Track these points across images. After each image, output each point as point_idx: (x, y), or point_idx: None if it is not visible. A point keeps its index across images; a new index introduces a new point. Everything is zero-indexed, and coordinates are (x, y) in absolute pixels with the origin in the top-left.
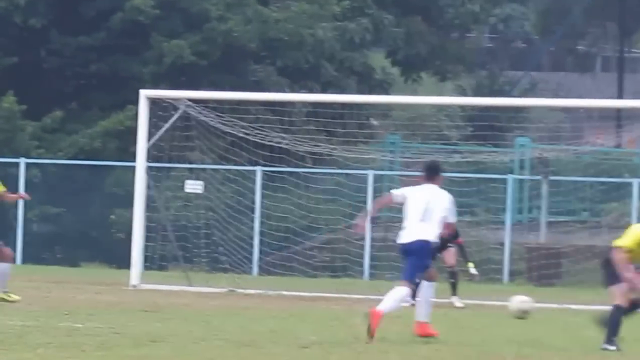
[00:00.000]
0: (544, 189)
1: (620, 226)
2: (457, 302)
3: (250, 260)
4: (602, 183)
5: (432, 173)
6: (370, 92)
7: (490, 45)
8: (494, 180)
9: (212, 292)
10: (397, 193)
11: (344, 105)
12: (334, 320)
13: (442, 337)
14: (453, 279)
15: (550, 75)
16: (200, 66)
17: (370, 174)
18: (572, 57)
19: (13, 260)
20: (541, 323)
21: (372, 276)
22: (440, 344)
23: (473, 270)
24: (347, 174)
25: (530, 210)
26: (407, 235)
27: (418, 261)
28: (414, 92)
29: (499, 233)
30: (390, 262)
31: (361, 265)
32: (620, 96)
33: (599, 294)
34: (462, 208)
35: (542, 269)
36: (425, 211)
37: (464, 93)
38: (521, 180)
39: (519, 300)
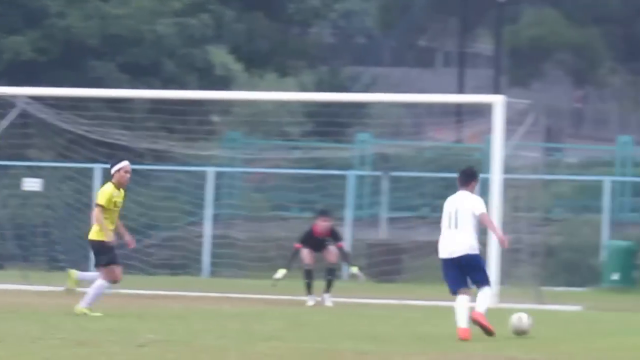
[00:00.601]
0: (385, 184)
1: None
2: (327, 300)
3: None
4: (443, 178)
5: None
6: (211, 89)
7: (332, 40)
8: (335, 176)
9: (51, 291)
10: None
11: (184, 101)
12: (173, 318)
13: (281, 334)
14: (330, 276)
15: (392, 71)
16: (40, 63)
17: (211, 170)
18: (414, 53)
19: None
20: (381, 319)
21: (211, 274)
22: (279, 341)
23: (356, 271)
24: (187, 171)
25: (371, 206)
26: None
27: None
28: (255, 88)
29: (340, 229)
30: (230, 259)
31: (200, 262)
32: (461, 91)
33: (439, 290)
34: (302, 204)
35: (383, 265)
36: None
37: (305, 89)
38: (362, 176)
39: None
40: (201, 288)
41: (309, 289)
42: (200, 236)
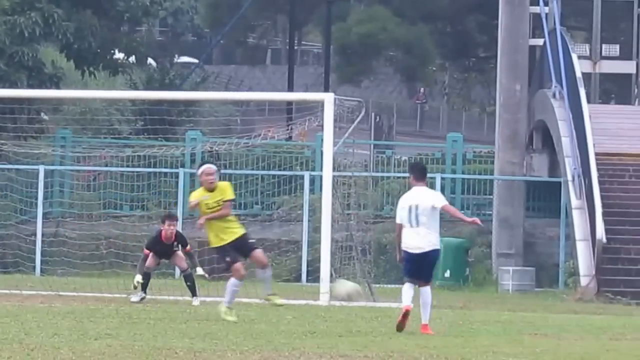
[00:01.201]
0: None
1: (292, 219)
2: (195, 301)
3: None
4: (274, 176)
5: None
6: (40, 87)
7: (161, 38)
8: (166, 174)
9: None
10: None
11: (14, 99)
12: (5, 316)
13: (114, 332)
14: (189, 282)
15: (222, 68)
16: None
17: (41, 168)
18: (243, 50)
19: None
20: (213, 317)
21: (43, 272)
22: (112, 339)
23: (202, 272)
24: (17, 169)
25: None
26: None
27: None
28: (85, 86)
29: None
30: (62, 258)
31: (33, 261)
32: (290, 89)
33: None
34: (134, 202)
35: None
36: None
37: (135, 87)
38: (193, 174)
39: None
40: (33, 286)
41: (142, 287)
42: (31, 234)
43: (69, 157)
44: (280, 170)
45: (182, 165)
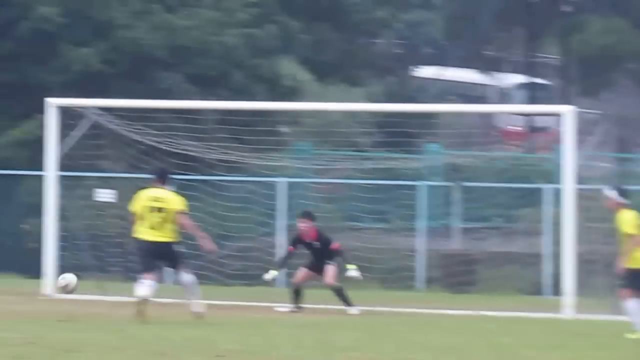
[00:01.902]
0: (456, 195)
1: (534, 232)
2: (353, 310)
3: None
4: (515, 189)
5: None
6: (279, 99)
7: (399, 51)
8: (406, 186)
9: (127, 301)
10: None
11: (253, 112)
12: (251, 328)
13: (358, 345)
14: (339, 295)
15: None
16: (109, 74)
17: (282, 181)
18: (481, 62)
19: None
20: (457, 330)
21: (286, 284)
22: (356, 352)
23: (354, 273)
24: (258, 181)
25: (443, 216)
26: None
27: None
28: (324, 99)
29: (411, 240)
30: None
31: None
32: (531, 102)
33: (513, 300)
34: (374, 215)
35: (457, 276)
36: None
37: (373, 99)
38: (433, 187)
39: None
40: (276, 299)
41: (295, 301)
42: (273, 247)
43: (309, 170)
44: (520, 182)
45: (422, 178)
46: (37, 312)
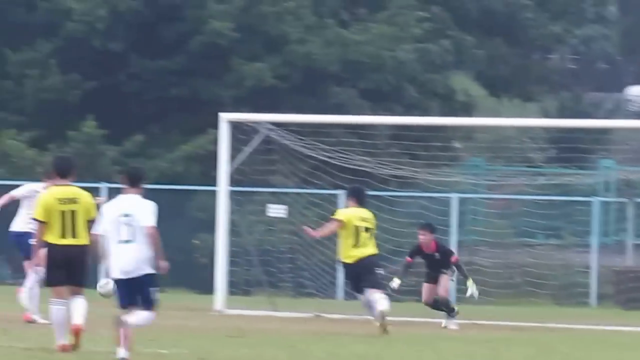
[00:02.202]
0: (630, 211)
1: None
2: (451, 324)
3: (335, 285)
4: None
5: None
6: (452, 115)
7: (573, 66)
8: (579, 202)
9: (298, 317)
10: None
11: (426, 127)
12: (421, 344)
13: None
14: (444, 307)
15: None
16: (281, 89)
17: (454, 197)
18: None
19: None
20: (630, 347)
21: (458, 300)
22: None
23: (472, 291)
24: (430, 197)
25: (616, 232)
26: None
27: None
28: (497, 114)
29: (585, 256)
30: (477, 285)
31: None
32: None
33: None
34: (547, 231)
35: (631, 292)
36: None
37: (547, 115)
38: (606, 203)
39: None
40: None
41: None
42: None
43: (482, 186)
44: None
45: (595, 194)
46: (207, 328)
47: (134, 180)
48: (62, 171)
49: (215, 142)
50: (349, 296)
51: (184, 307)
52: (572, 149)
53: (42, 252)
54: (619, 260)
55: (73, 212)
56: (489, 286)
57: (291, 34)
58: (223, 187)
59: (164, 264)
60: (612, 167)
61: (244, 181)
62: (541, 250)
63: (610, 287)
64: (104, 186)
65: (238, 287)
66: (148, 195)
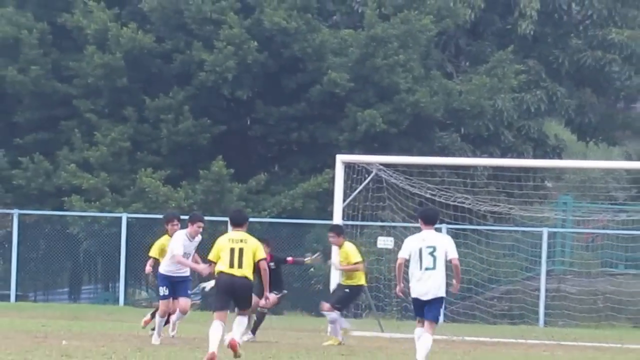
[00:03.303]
0: None
1: None
2: None
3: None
4: None
5: None
6: (544, 157)
7: None
8: None
9: (402, 337)
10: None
11: (521, 168)
12: None
13: None
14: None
15: None
16: (391, 133)
17: (545, 231)
18: None
19: None
20: None
21: (546, 323)
22: None
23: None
24: (524, 231)
25: None
26: None
27: None
28: (585, 157)
29: None
30: (563, 311)
31: (537, 313)
32: None
33: None
34: (628, 262)
35: None
36: None
37: (629, 157)
38: None
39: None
40: (537, 336)
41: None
42: (536, 290)
43: (570, 221)
44: None
45: None
46: (321, 347)
47: (429, 220)
48: (237, 222)
49: (330, 180)
50: (448, 319)
51: (301, 328)
52: None
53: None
54: None
55: (241, 250)
56: (575, 311)
57: (401, 84)
58: (338, 220)
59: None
60: None
61: (356, 216)
62: (621, 278)
63: None
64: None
65: (349, 310)
66: (270, 227)
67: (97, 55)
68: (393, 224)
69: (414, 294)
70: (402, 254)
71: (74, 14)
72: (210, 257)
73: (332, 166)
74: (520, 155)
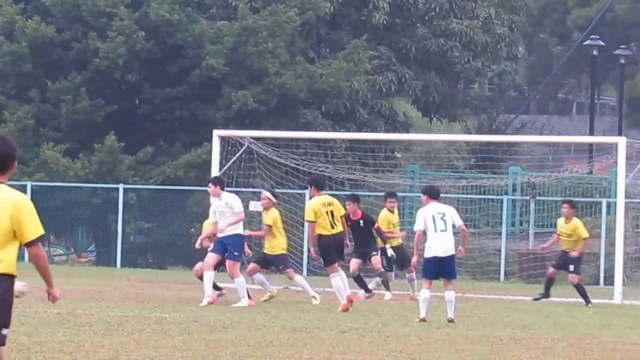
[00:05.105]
0: (532, 207)
1: (593, 236)
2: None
3: (301, 264)
4: (578, 202)
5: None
6: (395, 131)
7: (489, 94)
8: (493, 200)
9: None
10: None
11: (374, 141)
12: (368, 311)
13: (451, 324)
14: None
15: (537, 117)
16: (261, 111)
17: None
18: (553, 103)
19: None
20: (530, 313)
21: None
22: (450, 329)
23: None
24: (376, 195)
25: (521, 223)
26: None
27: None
28: (429, 131)
29: (497, 242)
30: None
31: None
32: (591, 133)
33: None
34: (467, 222)
35: (531, 270)
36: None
37: (469, 131)
38: (514, 200)
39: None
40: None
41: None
42: None
43: (417, 187)
44: (582, 197)
45: (506, 193)
46: (200, 298)
47: (434, 194)
48: (322, 186)
49: (208, 152)
50: (310, 272)
51: (183, 281)
52: (488, 158)
53: None
54: (523, 244)
55: (332, 212)
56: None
57: (269, 68)
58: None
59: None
60: (518, 172)
61: (231, 183)
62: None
63: (515, 265)
64: (121, 187)
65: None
66: (157, 193)
67: (5, 45)
68: (263, 190)
69: (433, 253)
70: (418, 227)
71: None
72: (308, 217)
73: (210, 140)
74: (373, 129)
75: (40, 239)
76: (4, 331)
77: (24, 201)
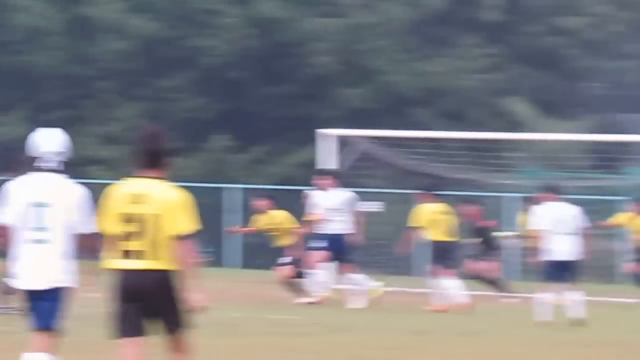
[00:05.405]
0: None
1: None
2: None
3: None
4: None
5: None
6: (509, 131)
7: (607, 93)
8: (611, 201)
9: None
10: None
11: (488, 140)
12: (486, 314)
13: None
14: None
15: None
16: (373, 110)
17: (505, 196)
18: None
19: None
20: None
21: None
22: (579, 333)
23: None
24: (493, 196)
25: None
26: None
27: None
28: (547, 131)
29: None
30: None
31: None
32: None
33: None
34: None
35: None
36: None
37: (586, 131)
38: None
39: None
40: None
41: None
42: None
43: (531, 187)
44: None
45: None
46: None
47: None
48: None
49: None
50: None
51: None
52: (603, 158)
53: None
54: None
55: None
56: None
57: (382, 66)
58: None
59: None
60: (635, 173)
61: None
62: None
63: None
64: (233, 186)
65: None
66: (270, 193)
67: (114, 43)
68: (379, 190)
69: (559, 257)
70: (542, 226)
71: None
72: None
73: (324, 139)
74: (487, 129)
75: (191, 235)
76: None
77: (177, 197)
